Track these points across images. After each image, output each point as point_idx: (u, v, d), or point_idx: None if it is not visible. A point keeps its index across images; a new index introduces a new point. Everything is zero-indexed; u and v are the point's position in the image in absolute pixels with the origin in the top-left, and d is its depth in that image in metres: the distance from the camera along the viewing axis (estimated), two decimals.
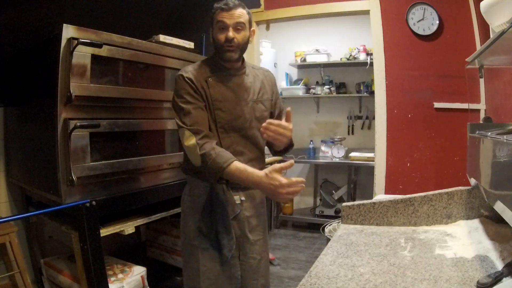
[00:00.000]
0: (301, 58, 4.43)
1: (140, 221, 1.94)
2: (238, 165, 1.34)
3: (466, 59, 1.40)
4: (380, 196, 1.74)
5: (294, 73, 4.75)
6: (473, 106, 2.78)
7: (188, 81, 1.43)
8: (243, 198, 1.52)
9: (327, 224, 1.98)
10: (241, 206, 1.52)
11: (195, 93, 1.42)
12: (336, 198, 4.08)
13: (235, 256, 1.52)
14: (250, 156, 1.52)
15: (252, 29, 1.50)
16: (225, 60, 1.47)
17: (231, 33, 1.41)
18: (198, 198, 1.51)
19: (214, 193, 1.47)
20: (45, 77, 1.68)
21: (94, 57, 1.66)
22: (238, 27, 1.42)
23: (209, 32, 1.50)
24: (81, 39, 1.57)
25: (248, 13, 1.47)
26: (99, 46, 1.64)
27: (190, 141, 1.38)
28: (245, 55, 1.56)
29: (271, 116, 1.63)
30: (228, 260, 1.48)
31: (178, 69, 2.12)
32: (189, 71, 1.46)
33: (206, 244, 1.49)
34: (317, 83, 4.47)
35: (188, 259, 1.55)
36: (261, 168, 1.54)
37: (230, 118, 1.46)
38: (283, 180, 1.25)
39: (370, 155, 3.71)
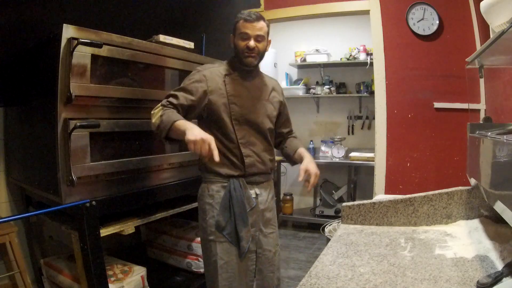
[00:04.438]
0: (301, 58, 4.43)
1: (140, 221, 1.94)
2: (183, 120, 1.45)
3: (466, 59, 1.40)
4: (380, 196, 1.73)
5: (294, 73, 4.75)
6: (473, 106, 2.78)
7: (200, 75, 1.57)
8: (258, 192, 1.64)
9: (327, 224, 1.98)
10: (256, 200, 1.63)
11: (196, 89, 1.55)
12: (336, 198, 4.08)
13: (252, 250, 1.61)
14: (262, 146, 1.65)
15: (269, 39, 1.65)
16: (245, 64, 1.60)
17: (252, 43, 1.55)
18: (217, 193, 1.60)
19: (232, 188, 1.57)
20: (45, 77, 1.68)
21: (94, 57, 1.66)
22: (259, 38, 1.57)
23: (230, 38, 1.64)
24: (81, 39, 1.57)
25: (268, 26, 1.62)
26: (99, 46, 1.64)
27: (157, 108, 1.52)
28: None
29: (278, 117, 1.75)
30: (245, 253, 1.57)
31: (178, 69, 2.15)
32: (207, 68, 1.61)
33: (223, 238, 1.57)
34: (317, 83, 4.47)
35: (207, 255, 1.64)
36: (271, 160, 1.70)
37: (243, 112, 1.59)
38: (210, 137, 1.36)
39: (370, 155, 3.71)
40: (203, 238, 1.66)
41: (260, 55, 1.61)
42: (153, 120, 1.50)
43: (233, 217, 1.57)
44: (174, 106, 1.53)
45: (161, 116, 1.47)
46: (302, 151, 1.75)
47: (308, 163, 1.65)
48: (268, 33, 1.62)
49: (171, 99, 1.54)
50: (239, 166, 1.60)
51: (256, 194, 1.64)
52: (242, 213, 1.57)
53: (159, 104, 1.53)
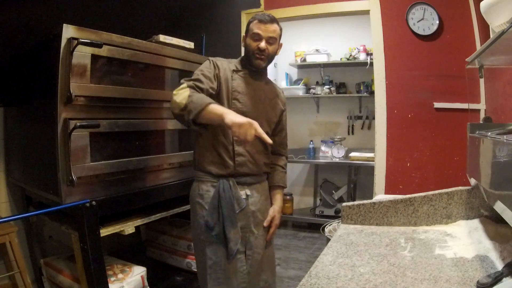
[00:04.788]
0: (301, 58, 4.43)
1: (140, 221, 1.94)
2: (217, 104, 1.40)
3: (466, 59, 1.40)
4: (380, 196, 1.73)
5: (294, 73, 4.75)
6: (473, 106, 2.78)
7: (214, 64, 1.58)
8: (249, 193, 1.61)
9: (327, 224, 1.98)
10: (247, 201, 1.60)
11: (213, 75, 1.54)
12: (336, 198, 4.08)
13: (241, 251, 1.58)
14: (257, 148, 1.62)
15: (280, 43, 1.64)
16: (254, 66, 1.60)
17: (263, 44, 1.55)
18: (207, 193, 1.58)
19: (221, 189, 1.54)
20: (45, 77, 1.68)
21: (94, 57, 1.66)
22: (270, 40, 1.57)
23: (242, 38, 1.65)
24: (81, 39, 1.57)
25: (280, 29, 1.62)
26: (99, 46, 1.64)
27: (183, 88, 1.43)
28: None
29: (275, 126, 1.73)
30: (234, 254, 1.54)
31: (178, 69, 2.15)
32: (219, 60, 1.61)
33: (212, 239, 1.55)
34: (317, 83, 4.47)
35: (198, 254, 1.63)
36: (266, 163, 1.68)
37: (244, 109, 1.56)
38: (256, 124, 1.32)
39: (370, 155, 3.71)
40: (194, 237, 1.66)
41: (270, 58, 1.60)
42: (178, 100, 1.40)
43: (221, 218, 1.53)
44: (201, 90, 1.46)
45: (189, 96, 1.39)
46: (277, 195, 1.76)
47: (276, 213, 1.71)
48: (280, 36, 1.62)
49: (196, 83, 1.46)
50: (229, 165, 1.56)
51: (247, 195, 1.60)
52: (231, 214, 1.53)
53: (184, 84, 1.45)
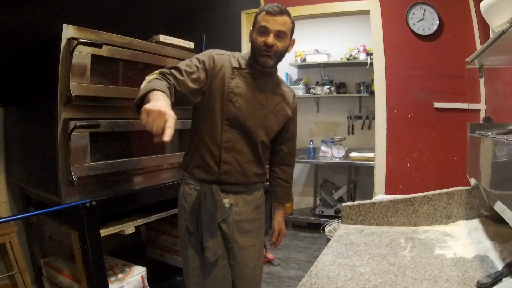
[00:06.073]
0: (301, 58, 4.43)
1: (140, 221, 1.94)
2: (162, 93, 1.16)
3: (466, 59, 1.40)
4: (380, 196, 1.73)
5: (294, 73, 4.75)
6: (473, 106, 2.78)
7: (211, 60, 1.41)
8: (232, 202, 1.48)
9: (327, 224, 1.98)
10: (231, 210, 1.48)
11: (205, 74, 1.39)
12: (336, 198, 4.08)
13: (224, 257, 1.50)
14: (249, 157, 1.49)
15: (293, 38, 1.48)
16: (259, 64, 1.43)
17: (271, 39, 1.37)
18: (189, 197, 1.49)
19: (202, 195, 1.44)
20: (45, 77, 1.69)
21: (94, 57, 1.66)
22: (279, 34, 1.39)
23: (249, 32, 1.47)
24: (81, 39, 1.57)
25: (292, 23, 1.44)
26: (99, 46, 1.64)
27: (153, 73, 1.29)
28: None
29: (278, 133, 1.59)
30: (212, 263, 1.45)
31: None
32: (220, 53, 1.45)
33: (194, 243, 1.48)
34: (317, 83, 4.47)
35: (183, 254, 1.56)
36: (258, 174, 1.54)
37: (239, 114, 1.42)
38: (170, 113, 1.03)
39: (370, 155, 3.71)
40: (179, 237, 1.59)
41: (279, 55, 1.42)
42: (144, 85, 1.23)
43: (200, 225, 1.43)
44: (175, 80, 1.30)
45: (148, 81, 1.23)
46: (280, 208, 1.72)
47: (281, 223, 1.69)
48: (292, 30, 1.44)
49: (173, 71, 1.31)
50: (213, 171, 1.43)
51: (230, 204, 1.47)
52: (210, 223, 1.42)
53: (158, 71, 1.30)
